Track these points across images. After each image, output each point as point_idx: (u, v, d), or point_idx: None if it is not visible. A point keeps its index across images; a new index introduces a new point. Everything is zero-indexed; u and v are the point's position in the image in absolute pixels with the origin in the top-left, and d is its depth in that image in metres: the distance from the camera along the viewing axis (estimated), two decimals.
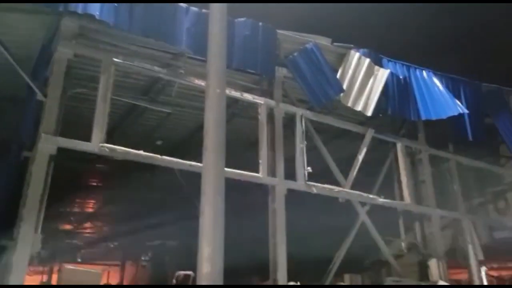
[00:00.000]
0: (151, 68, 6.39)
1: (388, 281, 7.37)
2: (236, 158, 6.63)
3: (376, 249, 7.91)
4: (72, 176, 10.45)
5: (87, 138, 5.54)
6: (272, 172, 6.73)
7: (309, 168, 6.95)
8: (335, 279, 7.36)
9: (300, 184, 6.90)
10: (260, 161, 6.65)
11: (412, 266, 8.94)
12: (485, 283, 7.65)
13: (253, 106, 7.18)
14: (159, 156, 5.96)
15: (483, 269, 7.92)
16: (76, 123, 5.89)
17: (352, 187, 7.55)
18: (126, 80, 6.93)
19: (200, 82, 6.39)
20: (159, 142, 9.15)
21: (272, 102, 7.14)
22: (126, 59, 6.14)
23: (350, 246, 7.52)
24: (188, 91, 7.11)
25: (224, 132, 4.61)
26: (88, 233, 19.40)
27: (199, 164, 4.96)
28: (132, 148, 5.80)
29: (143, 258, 19.55)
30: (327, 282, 6.90)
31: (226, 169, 4.87)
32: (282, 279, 6.21)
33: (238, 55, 6.58)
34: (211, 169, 4.38)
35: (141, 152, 5.82)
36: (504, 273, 12.51)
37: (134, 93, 7.33)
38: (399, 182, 8.46)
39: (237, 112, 7.91)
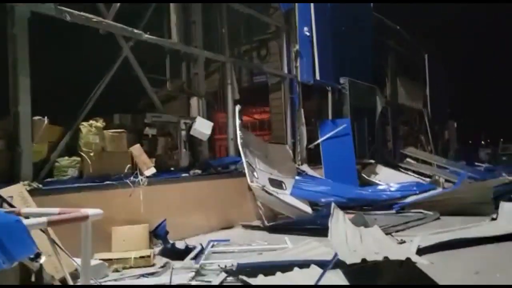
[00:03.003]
0: None
1: (148, 116, 7.51)
2: None
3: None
4: None
5: None
6: None
7: None
8: (105, 118, 7.07)
9: (49, 7, 5.90)
10: None
11: (176, 106, 9.34)
12: (237, 119, 8.52)
13: None
14: None
15: (238, 107, 8.72)
16: None
17: (117, 20, 6.97)
18: None
19: None
20: None
21: None
22: None
23: (123, 89, 7.16)
24: None
25: None
26: None
27: None
28: None
29: None
30: (82, 117, 6.55)
31: None
32: (25, 113, 5.60)
33: None
34: None
35: None
36: (263, 116, 14.49)
37: None
38: (168, 20, 8.20)
39: None
